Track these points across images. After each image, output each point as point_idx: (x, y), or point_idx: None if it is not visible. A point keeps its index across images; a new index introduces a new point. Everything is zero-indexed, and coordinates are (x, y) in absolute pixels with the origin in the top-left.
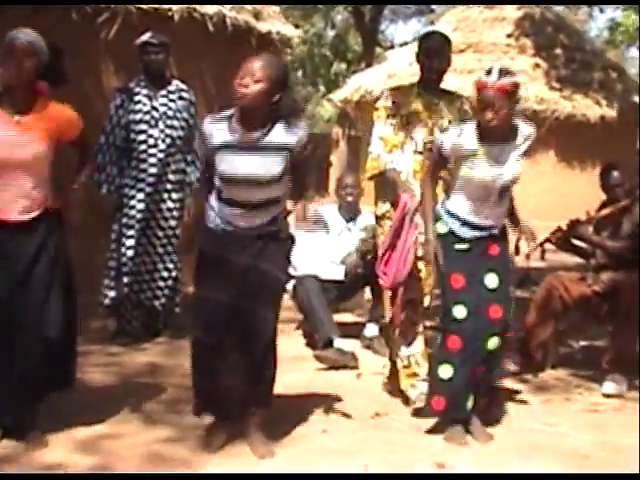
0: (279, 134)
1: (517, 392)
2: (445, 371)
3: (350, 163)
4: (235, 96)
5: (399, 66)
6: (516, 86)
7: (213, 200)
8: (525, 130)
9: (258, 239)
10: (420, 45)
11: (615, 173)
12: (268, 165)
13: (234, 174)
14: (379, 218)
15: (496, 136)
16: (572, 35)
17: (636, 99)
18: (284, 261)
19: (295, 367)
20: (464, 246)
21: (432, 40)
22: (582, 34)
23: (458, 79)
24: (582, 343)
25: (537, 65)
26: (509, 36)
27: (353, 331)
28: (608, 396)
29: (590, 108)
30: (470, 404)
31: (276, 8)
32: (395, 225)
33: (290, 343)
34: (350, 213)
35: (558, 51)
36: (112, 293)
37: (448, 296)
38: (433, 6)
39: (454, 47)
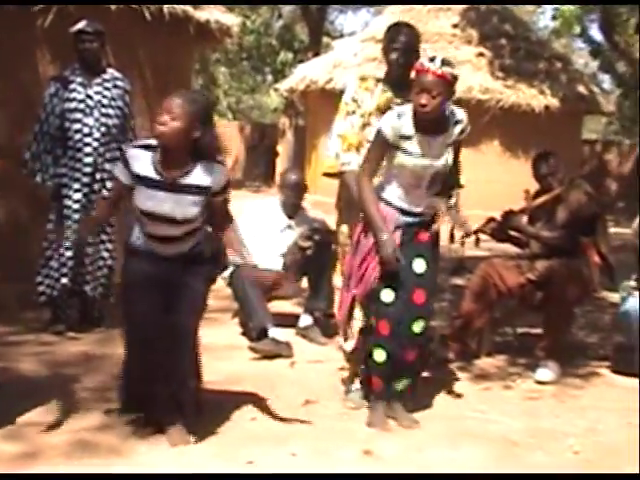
0: (198, 175)
1: (451, 379)
2: (379, 355)
3: (297, 153)
4: (154, 133)
5: (344, 56)
6: (455, 78)
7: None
8: (459, 120)
9: (180, 259)
10: (387, 38)
11: (548, 162)
12: (185, 206)
13: (152, 211)
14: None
15: (430, 126)
16: (517, 25)
17: (581, 89)
18: (206, 277)
19: (229, 356)
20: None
21: (400, 33)
22: (528, 24)
23: None
24: (519, 330)
25: (482, 55)
26: (454, 26)
27: (290, 320)
28: (541, 383)
29: (535, 98)
30: (401, 385)
31: None
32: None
33: (226, 332)
34: (292, 210)
35: (503, 41)
36: (48, 282)
37: (376, 281)
38: None
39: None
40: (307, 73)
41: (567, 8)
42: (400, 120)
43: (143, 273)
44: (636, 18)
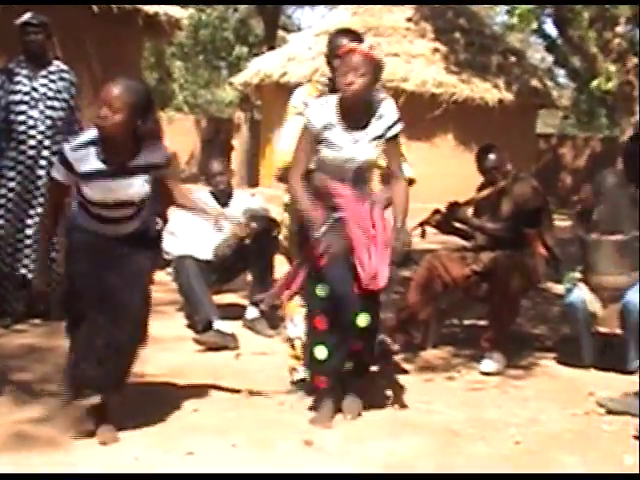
0: (144, 155)
1: (396, 370)
2: (320, 352)
3: (252, 146)
4: (96, 127)
5: (299, 50)
6: (381, 63)
7: (78, 206)
8: (386, 113)
9: (126, 238)
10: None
11: (492, 155)
12: (138, 187)
13: (104, 199)
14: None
15: (352, 115)
16: (472, 19)
17: (535, 83)
18: (151, 253)
19: (175, 348)
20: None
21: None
22: (482, 18)
23: None
24: (465, 322)
25: (436, 49)
26: (409, 20)
27: (237, 312)
28: (486, 374)
29: (488, 92)
30: (352, 371)
31: None
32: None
33: (172, 325)
34: (224, 198)
35: (457, 35)
36: None
37: (314, 275)
38: None
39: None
40: (262, 67)
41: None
42: (323, 109)
43: (87, 243)
44: (589, 12)
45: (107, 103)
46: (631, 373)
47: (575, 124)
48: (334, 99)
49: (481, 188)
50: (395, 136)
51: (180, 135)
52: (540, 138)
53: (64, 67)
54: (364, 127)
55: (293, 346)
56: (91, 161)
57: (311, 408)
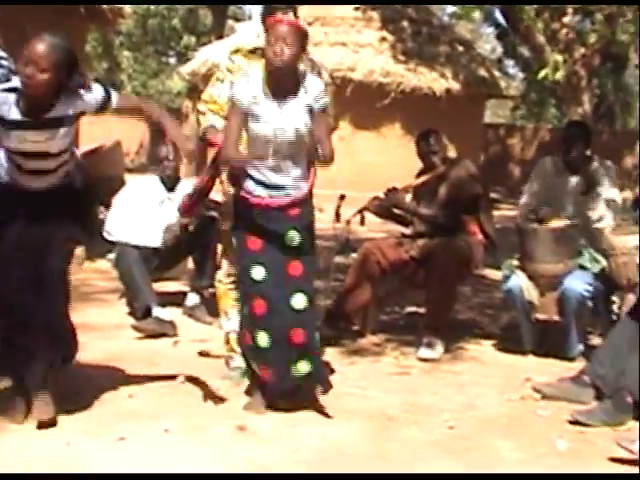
0: (61, 107)
1: (333, 356)
2: (261, 339)
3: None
4: (22, 85)
5: (246, 39)
6: (306, 34)
7: (2, 158)
8: (313, 85)
9: (49, 193)
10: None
11: (431, 140)
12: (58, 139)
13: (24, 149)
14: None
15: (280, 87)
16: (420, 9)
17: (483, 73)
18: (77, 211)
19: (114, 335)
20: (260, 209)
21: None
22: (430, 8)
23: None
24: (407, 309)
25: (384, 39)
26: (356, 9)
27: (177, 299)
28: (424, 360)
29: (436, 81)
30: (301, 368)
31: None
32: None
33: (112, 312)
34: (170, 183)
35: (405, 25)
36: None
37: (246, 258)
38: None
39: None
40: (209, 56)
41: None
42: (249, 83)
43: (9, 210)
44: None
45: (33, 62)
46: (572, 359)
47: (525, 115)
48: (259, 72)
49: (420, 174)
50: (323, 109)
51: (129, 125)
52: (489, 128)
53: (2, 54)
54: (293, 98)
55: (228, 340)
56: (10, 111)
57: (246, 393)
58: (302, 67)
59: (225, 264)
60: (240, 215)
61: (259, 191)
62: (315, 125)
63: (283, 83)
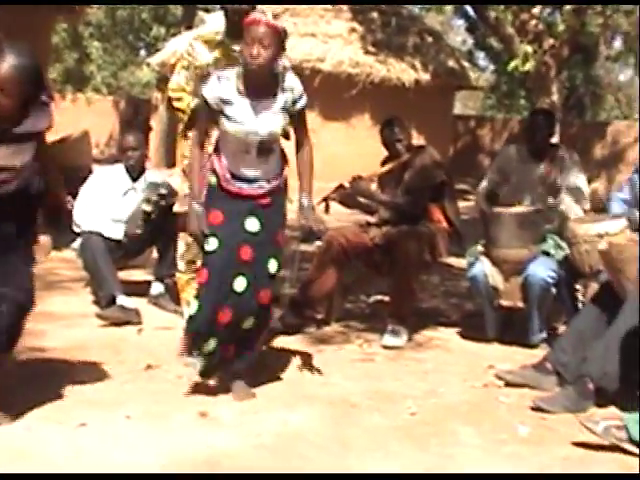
0: (30, 122)
1: (297, 344)
2: (194, 305)
3: (170, 127)
4: None
5: (216, 28)
6: (285, 33)
7: None
8: (292, 85)
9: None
10: None
11: (395, 128)
12: (21, 153)
13: None
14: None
15: (256, 87)
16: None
17: (452, 64)
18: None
19: (78, 324)
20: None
21: None
22: None
23: None
24: (373, 297)
25: (353, 29)
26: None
27: (142, 288)
28: (388, 348)
29: (405, 72)
30: (217, 351)
31: None
32: None
33: (77, 301)
34: (135, 173)
35: (374, 15)
36: None
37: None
38: None
39: (270, 11)
40: (178, 47)
41: None
42: (220, 84)
43: None
44: None
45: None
46: (535, 347)
47: (496, 106)
48: (234, 73)
49: (385, 162)
50: (302, 108)
51: (99, 116)
52: (459, 120)
53: None
54: (270, 98)
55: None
56: None
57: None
58: (281, 66)
59: (184, 251)
60: (209, 196)
61: (231, 182)
62: (295, 126)
63: (259, 84)
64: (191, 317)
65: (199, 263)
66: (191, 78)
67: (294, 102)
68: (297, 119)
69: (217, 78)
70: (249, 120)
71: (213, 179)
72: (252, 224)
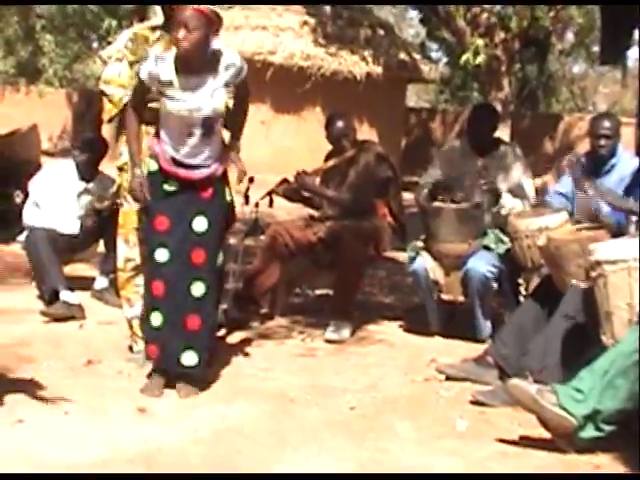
0: None
1: (239, 338)
2: (155, 319)
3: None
4: None
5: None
6: (218, 16)
7: None
8: (229, 60)
9: None
10: None
11: (340, 123)
12: None
13: None
14: (120, 169)
15: (194, 66)
16: None
17: (404, 57)
18: None
19: (21, 319)
20: (173, 187)
21: None
22: None
23: (225, 35)
24: (318, 292)
25: (305, 22)
26: None
27: (87, 282)
28: (330, 342)
29: (356, 65)
30: (188, 359)
31: None
32: None
33: (22, 296)
34: (89, 173)
35: (326, 8)
36: None
37: (151, 238)
38: None
39: (221, 5)
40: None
41: None
42: (157, 66)
43: None
44: None
45: None
46: (481, 341)
47: (449, 99)
48: (170, 55)
49: (328, 157)
50: (243, 80)
51: (52, 109)
52: (411, 112)
53: None
54: (210, 75)
55: (131, 326)
56: None
57: (148, 376)
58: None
59: (124, 248)
60: (153, 189)
61: (173, 170)
62: (237, 93)
63: (194, 64)
64: (155, 328)
65: (138, 261)
66: (125, 71)
67: (237, 76)
68: (239, 88)
69: (154, 59)
70: (191, 98)
71: (153, 165)
72: (199, 223)
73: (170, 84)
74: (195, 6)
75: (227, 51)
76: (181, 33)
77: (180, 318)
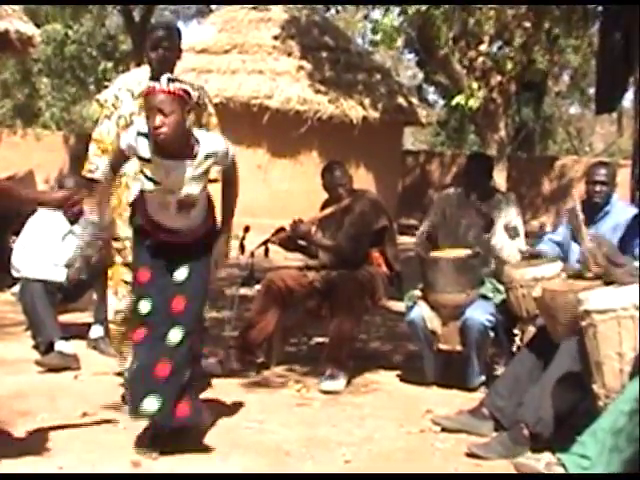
0: None
1: (234, 389)
2: (132, 364)
3: None
4: None
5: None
6: (187, 93)
7: None
8: (210, 149)
9: None
10: (148, 38)
11: (337, 172)
12: None
13: None
14: None
15: (172, 150)
16: (338, 37)
17: (400, 101)
18: None
19: (17, 370)
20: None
21: (157, 30)
22: (348, 36)
23: (221, 79)
24: (314, 340)
25: (301, 67)
26: (275, 38)
27: (83, 331)
28: (326, 392)
29: (353, 109)
30: (148, 404)
31: (17, 7)
32: None
33: (18, 346)
34: (74, 216)
35: (323, 53)
36: None
37: (135, 290)
38: (213, 7)
39: (218, 48)
40: (126, 82)
41: (386, 21)
42: (137, 142)
43: None
44: (453, 31)
45: None
46: (473, 390)
47: (446, 141)
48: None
49: (325, 205)
50: (230, 164)
51: (49, 151)
52: (408, 155)
53: None
54: (188, 159)
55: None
56: None
57: (144, 431)
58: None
59: (113, 300)
60: (136, 243)
61: (154, 230)
62: (222, 184)
63: (172, 149)
64: (130, 372)
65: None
66: (113, 128)
67: (221, 161)
68: (225, 172)
69: (136, 134)
70: (166, 181)
71: (137, 220)
72: (181, 273)
73: (148, 161)
74: (164, 88)
75: (210, 138)
76: (158, 119)
77: (151, 364)
